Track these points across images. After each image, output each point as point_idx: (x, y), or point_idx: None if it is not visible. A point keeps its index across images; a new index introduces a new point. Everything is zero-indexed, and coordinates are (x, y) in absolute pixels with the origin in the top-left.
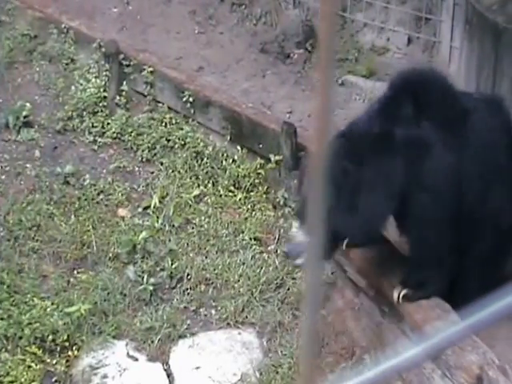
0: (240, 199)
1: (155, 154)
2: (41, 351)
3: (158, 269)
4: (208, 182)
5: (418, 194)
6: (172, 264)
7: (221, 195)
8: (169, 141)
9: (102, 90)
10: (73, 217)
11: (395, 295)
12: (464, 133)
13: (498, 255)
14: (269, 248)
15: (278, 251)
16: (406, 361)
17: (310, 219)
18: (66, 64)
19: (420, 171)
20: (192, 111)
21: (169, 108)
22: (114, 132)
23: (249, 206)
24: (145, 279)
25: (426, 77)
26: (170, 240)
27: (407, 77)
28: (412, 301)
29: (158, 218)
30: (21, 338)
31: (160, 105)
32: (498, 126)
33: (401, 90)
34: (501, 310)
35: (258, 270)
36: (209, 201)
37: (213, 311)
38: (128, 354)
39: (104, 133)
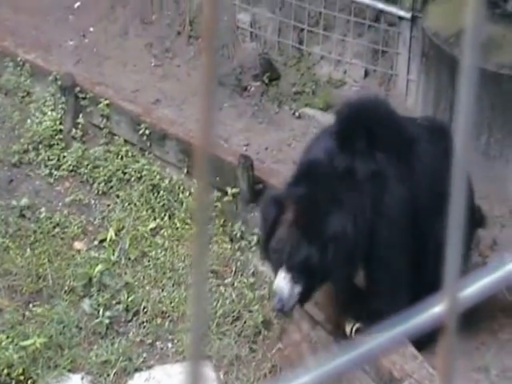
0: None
1: (111, 187)
2: None
3: (113, 302)
4: (164, 214)
5: (380, 227)
6: (128, 297)
7: (177, 228)
8: (125, 174)
9: (58, 122)
10: (28, 250)
11: (347, 329)
12: (412, 162)
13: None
14: (226, 281)
15: (235, 284)
16: (336, 367)
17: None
18: (22, 97)
19: (381, 205)
20: (148, 144)
21: (125, 141)
22: (69, 165)
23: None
24: (101, 312)
25: (373, 107)
26: (126, 273)
27: (354, 108)
28: (365, 334)
29: (114, 250)
30: None
31: (116, 138)
32: (442, 153)
33: (350, 122)
34: (430, 318)
35: (214, 303)
36: (165, 234)
37: (169, 344)
38: None
39: (60, 166)
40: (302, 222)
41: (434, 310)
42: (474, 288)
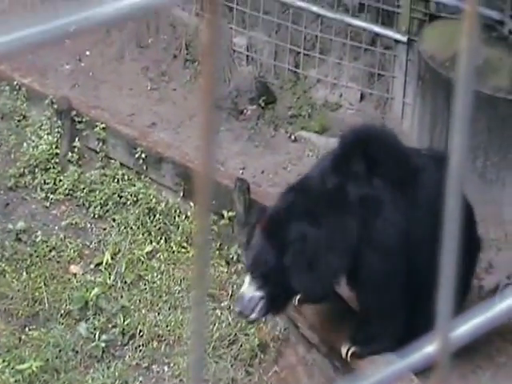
0: (193, 255)
1: (107, 211)
2: None
3: (110, 325)
4: (160, 238)
5: (369, 252)
6: (124, 321)
7: (173, 251)
8: (121, 197)
9: (54, 146)
10: (24, 273)
11: (343, 352)
12: (413, 192)
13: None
14: (222, 304)
15: (231, 307)
16: None
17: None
18: (18, 121)
19: (371, 229)
20: (144, 167)
21: (121, 164)
22: (66, 188)
23: (194, 261)
24: (97, 336)
25: (377, 134)
26: (122, 296)
27: (358, 133)
28: (361, 357)
29: (110, 274)
30: None
31: (112, 161)
32: (445, 181)
33: (352, 146)
34: (422, 357)
35: (211, 327)
36: (161, 257)
37: (165, 368)
38: None
39: (56, 189)
40: (269, 229)
41: (427, 349)
42: (467, 327)
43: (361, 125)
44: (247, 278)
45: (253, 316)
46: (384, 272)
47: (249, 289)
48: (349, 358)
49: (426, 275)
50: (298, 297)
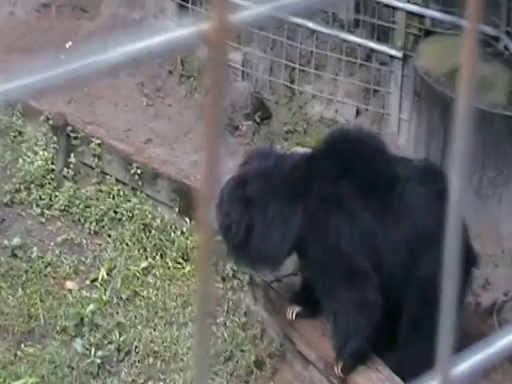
0: (189, 271)
1: (103, 227)
2: None
3: (105, 342)
4: (156, 254)
5: (314, 246)
6: (120, 337)
7: (169, 267)
8: (116, 213)
9: (49, 162)
10: (20, 289)
11: (335, 368)
12: (389, 199)
13: (428, 322)
14: (218, 320)
15: (227, 324)
16: None
17: None
18: (14, 137)
19: (321, 226)
20: (140, 183)
21: (117, 180)
22: (61, 204)
23: (197, 279)
24: (92, 352)
25: (359, 138)
26: (117, 313)
27: (340, 135)
28: (350, 368)
29: (105, 290)
30: None
31: (108, 177)
32: (432, 195)
33: (330, 146)
34: None
35: None
36: (157, 273)
37: None
38: None
39: (52, 205)
40: (239, 185)
41: None
42: (467, 364)
43: (344, 127)
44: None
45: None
46: (327, 269)
47: None
48: (341, 373)
49: (399, 280)
50: (294, 312)
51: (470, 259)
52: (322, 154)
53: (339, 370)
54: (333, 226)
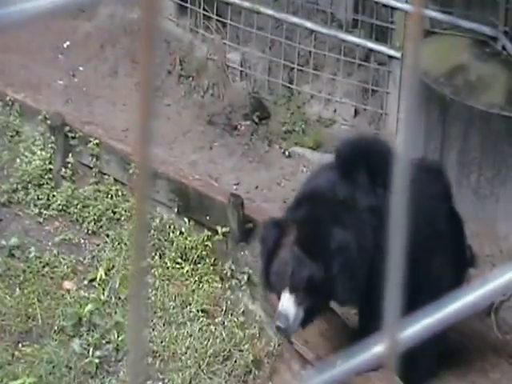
0: (187, 271)
1: (101, 227)
2: None
3: (103, 341)
4: (155, 254)
5: (379, 260)
6: (118, 337)
7: (168, 267)
8: (115, 213)
9: (47, 162)
10: (18, 290)
11: None
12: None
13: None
14: (216, 320)
15: (225, 323)
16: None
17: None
18: (11, 136)
19: (380, 238)
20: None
21: (115, 180)
22: (59, 204)
23: (196, 278)
24: (90, 352)
25: (375, 145)
26: (116, 312)
27: (358, 145)
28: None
29: (103, 290)
30: None
31: (106, 177)
32: (436, 194)
33: (353, 158)
34: (370, 358)
35: (205, 343)
36: (156, 273)
37: None
38: None
39: (49, 205)
40: (304, 241)
41: (374, 349)
42: (415, 328)
43: (357, 136)
44: (286, 294)
45: (295, 330)
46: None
47: (292, 305)
48: None
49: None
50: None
51: (467, 259)
52: (349, 169)
53: None
54: (386, 236)
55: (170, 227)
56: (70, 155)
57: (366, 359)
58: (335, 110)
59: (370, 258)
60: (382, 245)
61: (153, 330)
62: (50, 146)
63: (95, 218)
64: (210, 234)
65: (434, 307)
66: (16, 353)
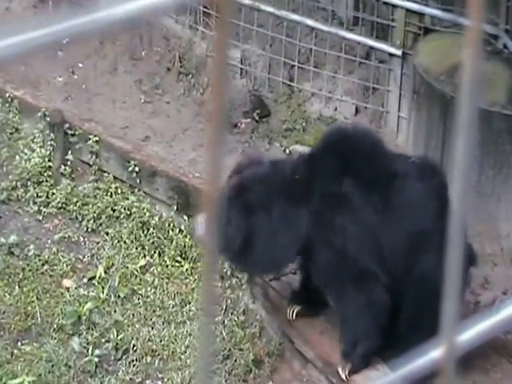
0: (187, 270)
1: (101, 224)
2: None
3: (103, 340)
4: (154, 252)
5: (321, 247)
6: (117, 335)
7: (167, 266)
8: (114, 211)
9: (46, 159)
10: (17, 288)
11: (340, 372)
12: (389, 195)
13: (427, 320)
14: (216, 319)
15: (226, 322)
16: None
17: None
18: (11, 133)
19: (327, 226)
20: (138, 181)
21: (114, 178)
22: (58, 202)
23: (195, 277)
24: (90, 351)
25: (357, 135)
26: (115, 311)
27: (338, 132)
28: (357, 370)
29: (103, 288)
30: None
31: (105, 174)
32: (430, 191)
33: (330, 144)
34: (427, 362)
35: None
36: (155, 271)
37: (159, 383)
38: None
39: (49, 203)
40: (237, 194)
41: (432, 354)
42: (472, 332)
43: (342, 125)
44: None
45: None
46: (335, 272)
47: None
48: (347, 377)
49: (399, 277)
50: (294, 311)
51: (468, 258)
52: (322, 153)
53: (346, 374)
54: (339, 226)
55: (169, 225)
56: (70, 152)
57: (423, 364)
58: (336, 108)
59: (305, 242)
60: (327, 232)
61: (152, 328)
62: (49, 143)
63: (95, 215)
64: None
65: (490, 312)
66: (15, 351)
